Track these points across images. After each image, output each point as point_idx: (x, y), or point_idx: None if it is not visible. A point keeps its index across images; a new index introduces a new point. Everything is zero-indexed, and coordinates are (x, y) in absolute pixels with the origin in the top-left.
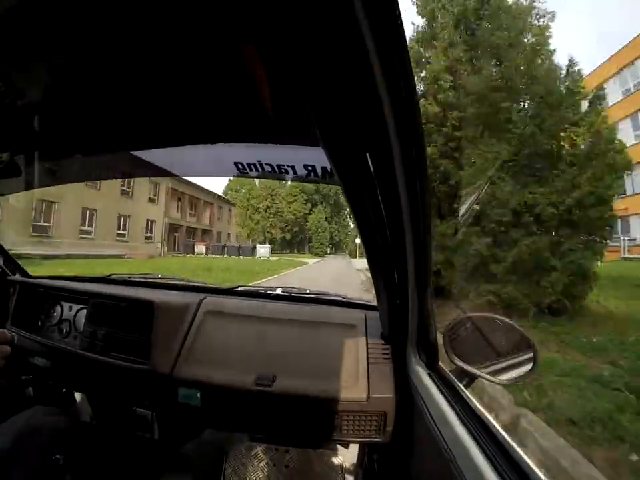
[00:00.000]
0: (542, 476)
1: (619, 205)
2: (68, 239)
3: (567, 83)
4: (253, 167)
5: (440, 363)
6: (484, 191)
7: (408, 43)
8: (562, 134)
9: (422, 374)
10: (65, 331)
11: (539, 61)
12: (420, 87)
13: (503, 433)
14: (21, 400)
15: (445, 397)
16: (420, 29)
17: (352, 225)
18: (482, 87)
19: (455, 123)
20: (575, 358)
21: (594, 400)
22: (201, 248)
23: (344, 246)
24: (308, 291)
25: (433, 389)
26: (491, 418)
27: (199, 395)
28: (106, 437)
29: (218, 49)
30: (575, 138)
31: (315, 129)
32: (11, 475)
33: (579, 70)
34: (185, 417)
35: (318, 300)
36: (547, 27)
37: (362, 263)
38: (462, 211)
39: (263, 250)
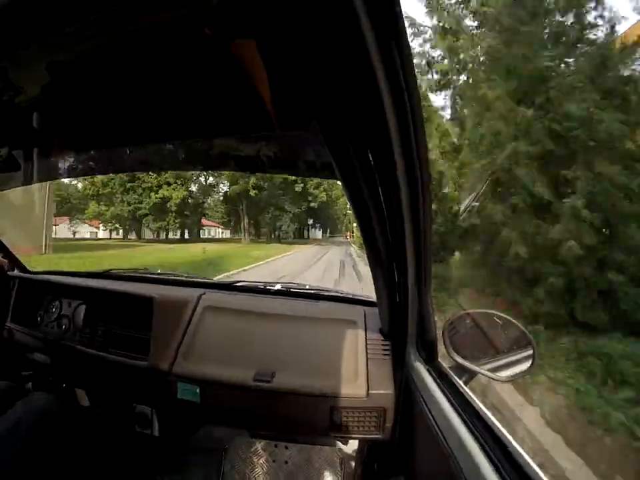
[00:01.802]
0: (540, 472)
1: None
2: None
3: None
4: (252, 161)
5: (439, 360)
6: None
7: (409, 38)
8: None
9: (421, 370)
10: (64, 326)
11: None
12: None
13: (502, 429)
14: (21, 396)
15: (444, 393)
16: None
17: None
18: None
19: None
20: None
21: None
22: None
23: (341, 225)
24: (307, 287)
25: (432, 386)
26: (490, 414)
27: (198, 390)
28: (105, 432)
29: (218, 44)
30: None
31: (316, 124)
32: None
33: None
34: (184, 413)
35: (317, 296)
36: None
37: None
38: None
39: None
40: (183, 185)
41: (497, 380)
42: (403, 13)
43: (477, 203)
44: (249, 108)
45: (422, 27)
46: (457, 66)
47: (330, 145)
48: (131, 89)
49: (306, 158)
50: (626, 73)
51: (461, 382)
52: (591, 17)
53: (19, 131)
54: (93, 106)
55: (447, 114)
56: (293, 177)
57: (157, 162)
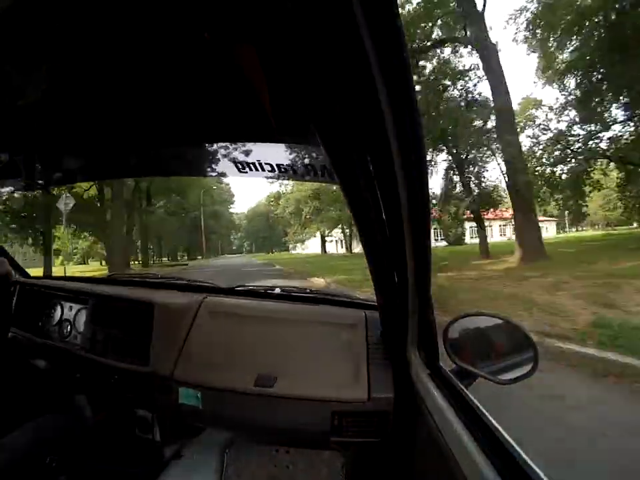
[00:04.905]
0: (543, 475)
1: None
2: None
3: None
4: (252, 166)
5: (440, 363)
6: None
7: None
8: None
9: (422, 374)
10: (65, 331)
11: None
12: None
13: (504, 433)
14: (22, 403)
15: (445, 396)
16: None
17: None
18: None
19: None
20: None
21: None
22: None
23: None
24: (308, 290)
25: (433, 389)
26: (491, 418)
27: (199, 395)
28: (106, 438)
29: (218, 50)
30: None
31: (314, 128)
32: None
33: None
34: (185, 418)
35: (318, 299)
36: None
37: None
38: None
39: None
40: None
41: (498, 383)
42: (402, 21)
43: None
44: (248, 113)
45: None
46: None
47: (328, 150)
48: (130, 94)
49: (305, 162)
50: None
51: (462, 385)
52: None
53: (18, 136)
54: (93, 111)
55: None
56: None
57: (156, 166)
